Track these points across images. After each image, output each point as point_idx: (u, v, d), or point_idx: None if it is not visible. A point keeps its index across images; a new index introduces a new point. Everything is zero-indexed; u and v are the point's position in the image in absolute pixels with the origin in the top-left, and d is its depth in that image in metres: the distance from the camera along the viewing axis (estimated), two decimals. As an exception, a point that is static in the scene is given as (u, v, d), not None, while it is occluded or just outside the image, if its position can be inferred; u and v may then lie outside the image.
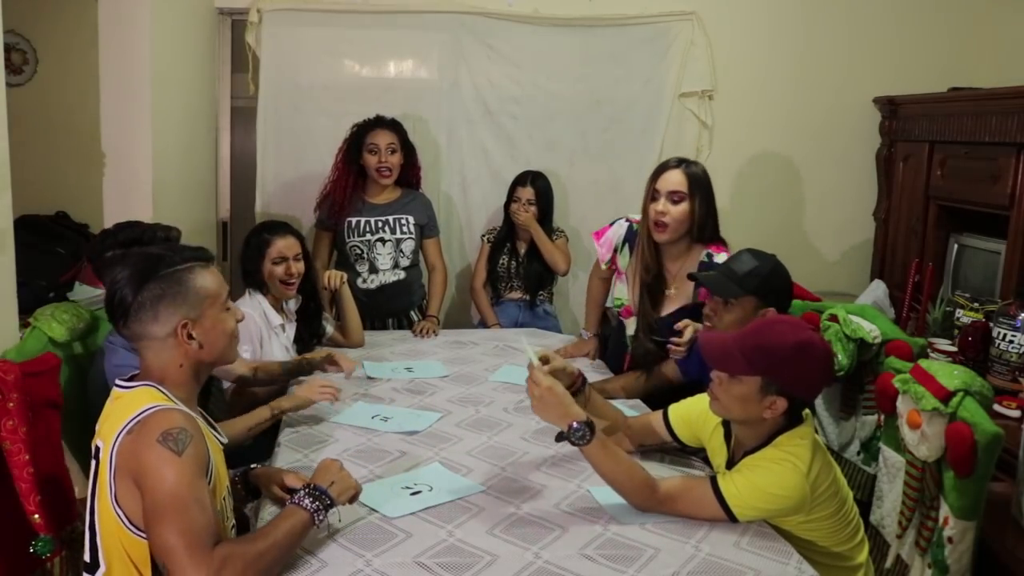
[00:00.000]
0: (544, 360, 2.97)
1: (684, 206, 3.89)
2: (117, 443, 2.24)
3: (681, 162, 3.97)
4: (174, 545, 2.11)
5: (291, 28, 5.78)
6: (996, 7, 5.93)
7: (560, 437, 2.68)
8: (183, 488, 2.17)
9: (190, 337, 2.39)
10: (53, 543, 2.84)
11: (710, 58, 6.01)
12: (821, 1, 6.10)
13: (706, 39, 5.98)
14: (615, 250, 4.27)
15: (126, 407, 2.30)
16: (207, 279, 2.45)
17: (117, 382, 2.44)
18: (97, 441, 2.35)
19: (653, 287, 4.05)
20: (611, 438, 2.98)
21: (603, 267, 4.37)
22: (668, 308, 4.05)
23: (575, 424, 2.64)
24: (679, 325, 3.77)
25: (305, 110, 5.85)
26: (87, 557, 2.36)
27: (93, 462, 2.35)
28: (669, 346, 3.79)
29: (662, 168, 3.99)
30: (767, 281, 3.37)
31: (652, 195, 3.95)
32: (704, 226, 3.93)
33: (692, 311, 3.92)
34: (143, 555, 2.27)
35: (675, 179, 3.91)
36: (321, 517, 2.43)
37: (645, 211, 4.00)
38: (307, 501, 2.41)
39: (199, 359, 2.43)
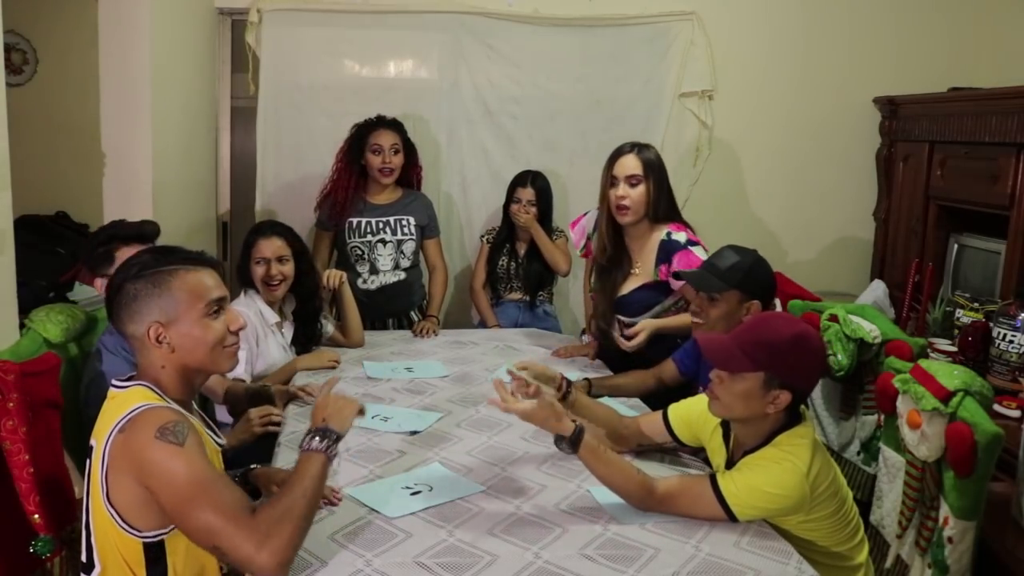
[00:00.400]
0: (523, 370, 3.00)
1: (641, 188, 4.08)
2: (109, 441, 2.24)
3: (634, 147, 4.17)
4: (215, 524, 2.13)
5: (291, 28, 5.78)
6: (996, 7, 5.93)
7: (556, 443, 2.73)
8: (200, 472, 2.19)
9: (159, 340, 2.37)
10: (53, 543, 2.84)
11: (710, 58, 6.01)
12: (821, 1, 6.10)
13: (706, 39, 5.98)
14: (588, 237, 4.47)
15: (119, 406, 2.31)
16: (188, 283, 2.40)
17: (113, 382, 2.44)
18: (91, 440, 2.35)
19: (609, 269, 4.24)
20: (605, 434, 3.09)
21: (578, 252, 4.58)
22: (631, 286, 4.21)
23: (561, 435, 2.69)
24: (631, 331, 4.03)
25: (305, 110, 5.85)
26: (84, 557, 2.37)
27: (88, 461, 2.35)
28: (618, 338, 4.08)
29: (617, 154, 4.18)
30: (749, 274, 3.40)
31: (611, 181, 4.14)
32: (659, 206, 4.12)
33: (654, 288, 4.13)
34: (135, 554, 2.28)
35: (630, 164, 4.10)
36: (334, 452, 2.44)
37: (604, 197, 4.18)
38: (315, 443, 2.41)
39: (181, 363, 2.41)
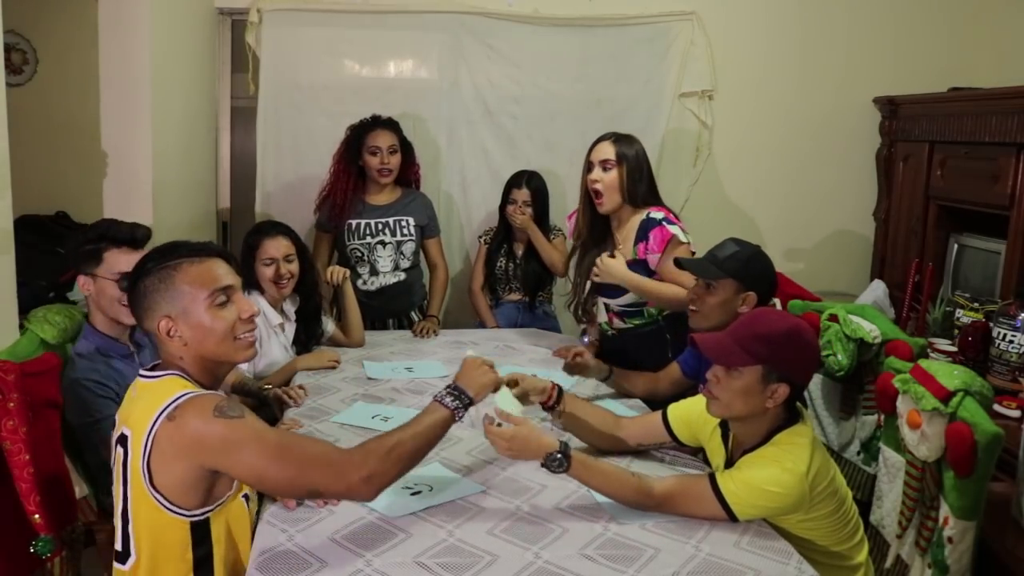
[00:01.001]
0: (513, 383, 3.00)
1: (613, 173, 4.20)
2: (155, 429, 2.26)
3: (612, 136, 4.30)
4: (310, 473, 2.29)
5: (291, 28, 5.79)
6: (996, 7, 5.93)
7: (544, 465, 2.70)
8: (272, 433, 2.33)
9: (169, 334, 2.40)
10: (53, 543, 2.85)
11: (710, 58, 6.01)
12: (821, 1, 6.11)
13: (706, 39, 5.98)
14: None
15: (156, 395, 2.33)
16: (191, 274, 2.43)
17: (141, 372, 2.48)
18: (123, 429, 2.36)
19: (586, 253, 4.41)
20: (603, 437, 3.12)
21: (572, 242, 4.61)
22: None
23: (549, 454, 2.67)
24: (608, 253, 4.22)
25: (305, 110, 5.85)
26: (118, 546, 2.39)
27: (120, 450, 2.36)
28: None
29: (595, 142, 4.32)
30: (746, 265, 3.46)
31: (588, 167, 4.29)
32: (635, 192, 4.21)
33: (632, 266, 4.16)
34: (181, 537, 2.33)
35: (605, 150, 4.24)
36: (461, 415, 2.60)
37: (583, 181, 4.33)
38: (448, 400, 2.59)
39: (197, 354, 2.43)
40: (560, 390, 3.16)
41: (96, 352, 3.25)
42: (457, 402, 2.58)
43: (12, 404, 2.74)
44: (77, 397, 3.11)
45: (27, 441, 2.77)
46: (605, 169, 4.19)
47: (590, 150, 4.30)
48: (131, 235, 3.35)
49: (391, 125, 5.10)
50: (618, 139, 4.25)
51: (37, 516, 2.79)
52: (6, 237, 3.45)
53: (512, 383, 3.00)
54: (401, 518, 2.64)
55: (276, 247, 4.24)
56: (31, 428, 2.80)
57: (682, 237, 4.03)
